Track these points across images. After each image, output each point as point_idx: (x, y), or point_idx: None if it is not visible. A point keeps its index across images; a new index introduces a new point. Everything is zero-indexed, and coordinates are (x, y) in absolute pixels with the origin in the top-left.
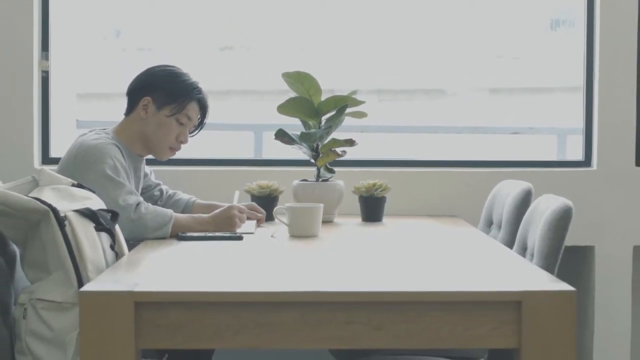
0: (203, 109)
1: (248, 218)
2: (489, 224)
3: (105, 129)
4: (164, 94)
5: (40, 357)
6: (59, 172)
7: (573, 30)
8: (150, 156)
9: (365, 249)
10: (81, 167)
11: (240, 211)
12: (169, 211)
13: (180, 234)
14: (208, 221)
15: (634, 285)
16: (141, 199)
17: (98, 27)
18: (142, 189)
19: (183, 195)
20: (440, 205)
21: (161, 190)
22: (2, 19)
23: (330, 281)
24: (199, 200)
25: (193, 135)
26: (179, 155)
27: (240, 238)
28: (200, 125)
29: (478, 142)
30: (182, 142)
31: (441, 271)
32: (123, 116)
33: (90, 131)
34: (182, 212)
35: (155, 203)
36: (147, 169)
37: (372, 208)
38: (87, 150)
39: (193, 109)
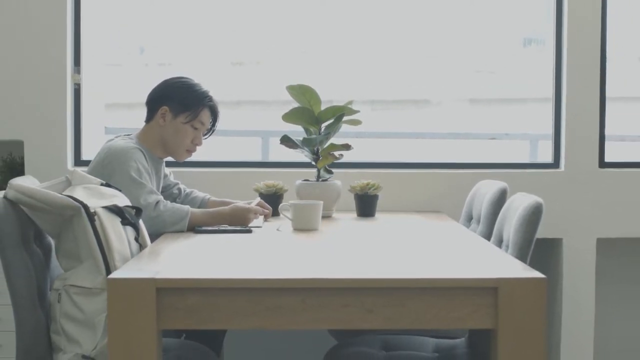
0: (214, 114)
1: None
2: (469, 219)
3: (129, 135)
4: (180, 103)
5: (73, 336)
6: (89, 173)
7: (543, 47)
8: (170, 158)
9: (359, 241)
10: (109, 169)
11: (255, 213)
12: (186, 207)
13: (196, 227)
14: (224, 214)
15: (598, 273)
16: (161, 197)
17: (124, 45)
18: (162, 187)
19: (199, 193)
20: (426, 202)
21: (179, 189)
22: (39, 38)
23: (329, 269)
24: (213, 198)
25: (206, 138)
26: (196, 158)
27: (249, 231)
28: (212, 128)
29: (459, 146)
30: (197, 145)
31: (427, 260)
32: (144, 123)
33: (116, 137)
34: (199, 207)
35: (174, 200)
36: (167, 170)
37: (366, 205)
38: (114, 154)
39: (206, 115)
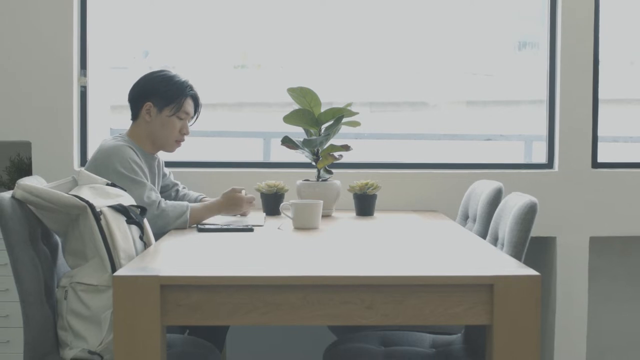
0: (196, 101)
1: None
2: (465, 218)
3: (120, 135)
4: (162, 97)
5: (79, 332)
6: None
7: (537, 50)
8: (167, 156)
9: (358, 239)
10: (101, 169)
11: (249, 201)
12: (185, 202)
13: (199, 226)
14: (219, 204)
15: (590, 270)
16: (160, 196)
17: (129, 49)
18: (162, 187)
19: (193, 194)
20: (423, 202)
21: (177, 191)
22: (46, 41)
23: (329, 267)
24: (206, 197)
25: (191, 125)
26: (199, 158)
27: (251, 230)
28: (196, 115)
29: (456, 147)
30: (185, 134)
31: (424, 258)
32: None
33: (112, 138)
34: None
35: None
36: (167, 170)
37: (364, 204)
38: (104, 153)
39: (189, 104)
